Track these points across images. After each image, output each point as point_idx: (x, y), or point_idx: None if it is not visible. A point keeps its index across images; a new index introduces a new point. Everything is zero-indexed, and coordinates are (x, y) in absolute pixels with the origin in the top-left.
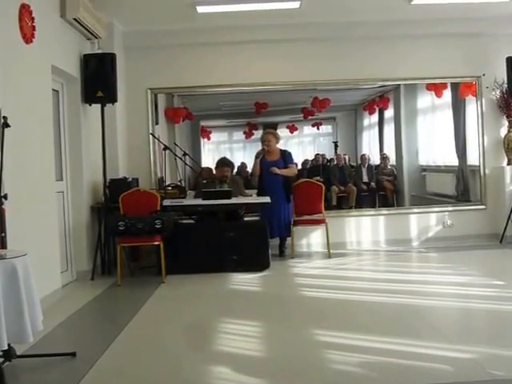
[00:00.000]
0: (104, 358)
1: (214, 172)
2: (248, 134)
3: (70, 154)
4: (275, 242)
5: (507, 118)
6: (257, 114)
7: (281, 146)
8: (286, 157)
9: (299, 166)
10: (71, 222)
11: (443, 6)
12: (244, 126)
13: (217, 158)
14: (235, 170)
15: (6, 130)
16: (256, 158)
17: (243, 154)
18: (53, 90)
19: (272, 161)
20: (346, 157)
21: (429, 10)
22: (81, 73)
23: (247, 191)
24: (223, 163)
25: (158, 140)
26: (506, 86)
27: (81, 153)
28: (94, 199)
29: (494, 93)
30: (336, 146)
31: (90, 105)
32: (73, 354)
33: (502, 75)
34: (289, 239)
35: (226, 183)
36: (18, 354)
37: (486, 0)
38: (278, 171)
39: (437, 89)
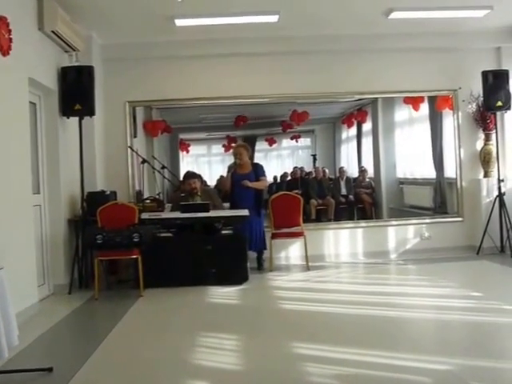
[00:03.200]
0: (81, 373)
1: (182, 187)
2: (227, 148)
3: (47, 167)
4: (254, 255)
5: (483, 131)
6: (236, 127)
7: (260, 158)
8: (257, 169)
9: (278, 180)
10: (48, 235)
11: (420, 21)
12: (223, 139)
13: (196, 171)
14: (214, 183)
15: None
16: (228, 171)
17: (222, 167)
18: (30, 102)
19: (243, 174)
20: (325, 170)
21: (406, 24)
22: (58, 85)
23: (225, 204)
24: (188, 176)
25: (136, 153)
26: (482, 99)
27: (58, 166)
28: (72, 212)
29: (470, 106)
30: (315, 159)
31: (68, 118)
32: (49, 370)
33: (478, 89)
34: (266, 252)
35: (198, 196)
36: None
37: (461, 15)
38: (249, 184)
39: (414, 102)
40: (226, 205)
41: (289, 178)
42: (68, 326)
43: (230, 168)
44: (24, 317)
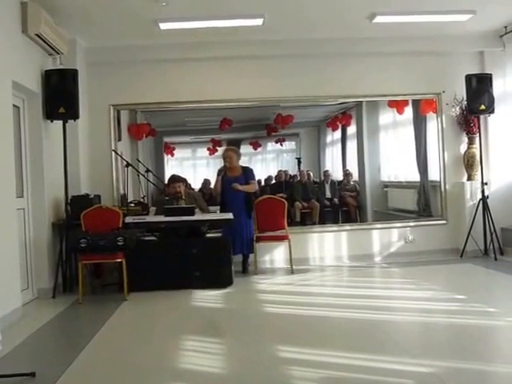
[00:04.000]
0: (64, 378)
1: (167, 190)
2: (212, 151)
3: (31, 170)
4: (238, 259)
5: (467, 134)
6: (220, 130)
7: (244, 162)
8: (247, 173)
9: (262, 183)
10: (32, 239)
11: (404, 25)
12: (208, 143)
13: (181, 175)
14: (199, 186)
15: None
16: (218, 174)
17: (207, 170)
18: (13, 105)
19: (233, 177)
20: (310, 173)
21: (390, 28)
22: (42, 89)
23: (211, 208)
24: (173, 180)
25: (121, 157)
26: (465, 103)
27: (42, 169)
28: (56, 216)
29: (453, 110)
30: (299, 163)
31: (52, 121)
32: (32, 375)
33: (462, 92)
34: (252, 255)
35: (183, 199)
36: None
37: (444, 20)
38: (239, 187)
39: (398, 106)
40: (212, 208)
41: (273, 181)
42: (52, 330)
43: (219, 171)
44: (7, 321)
